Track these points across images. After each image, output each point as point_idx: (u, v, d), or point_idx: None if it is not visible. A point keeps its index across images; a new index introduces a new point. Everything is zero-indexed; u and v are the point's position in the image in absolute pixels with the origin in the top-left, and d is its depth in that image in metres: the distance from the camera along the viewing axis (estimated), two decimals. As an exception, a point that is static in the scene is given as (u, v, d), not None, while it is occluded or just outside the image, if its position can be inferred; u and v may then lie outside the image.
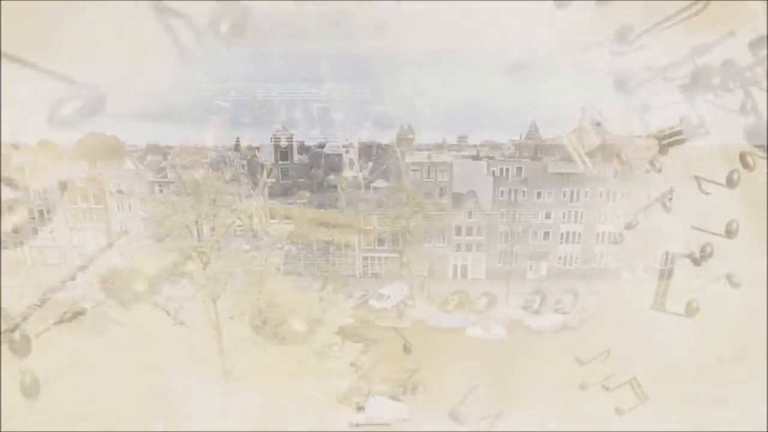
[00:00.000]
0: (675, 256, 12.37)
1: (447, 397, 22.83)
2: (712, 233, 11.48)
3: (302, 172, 37.65)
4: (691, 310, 12.25)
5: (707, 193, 11.90)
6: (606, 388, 16.18)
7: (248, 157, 36.79)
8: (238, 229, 33.02)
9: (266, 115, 30.44)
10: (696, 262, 11.85)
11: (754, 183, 11.33)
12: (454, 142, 41.20)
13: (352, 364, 22.39)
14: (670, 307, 12.24)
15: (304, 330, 19.08)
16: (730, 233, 11.16)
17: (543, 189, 37.80)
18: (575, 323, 32.30)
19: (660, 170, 13.99)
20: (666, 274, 12.38)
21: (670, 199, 13.80)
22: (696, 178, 11.88)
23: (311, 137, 33.45)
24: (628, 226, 18.21)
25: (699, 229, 11.86)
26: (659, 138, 11.87)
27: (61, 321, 14.87)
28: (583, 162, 16.33)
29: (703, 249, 11.70)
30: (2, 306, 12.52)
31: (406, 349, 19.67)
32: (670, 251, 12.62)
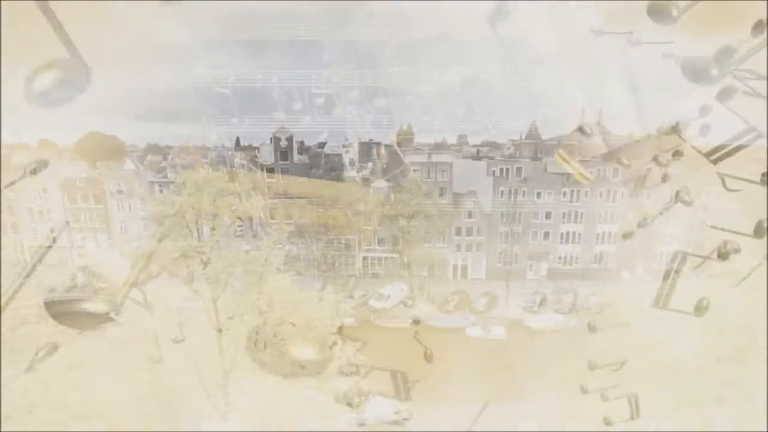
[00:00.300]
0: (684, 254, 12.14)
1: (447, 397, 22.84)
2: (740, 233, 11.14)
3: (302, 172, 37.67)
4: (701, 309, 12.05)
5: (735, 191, 11.44)
6: (605, 398, 16.05)
7: (248, 157, 36.83)
8: (239, 229, 33.01)
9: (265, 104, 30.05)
10: (721, 258, 11.48)
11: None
12: (454, 142, 41.22)
13: (351, 364, 22.36)
14: (675, 305, 12.04)
15: (316, 357, 18.74)
16: (759, 232, 10.75)
17: (543, 189, 37.79)
18: (576, 323, 32.33)
19: (667, 179, 13.79)
20: (673, 272, 12.14)
21: (688, 193, 13.51)
22: (719, 174, 11.49)
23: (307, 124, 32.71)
24: (641, 224, 18.02)
25: (718, 228, 11.59)
26: (709, 154, 11.30)
27: (31, 367, 14.58)
28: (582, 176, 16.19)
29: (722, 247, 11.36)
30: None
31: (428, 357, 19.34)
32: (680, 249, 12.39)
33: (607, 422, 16.38)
